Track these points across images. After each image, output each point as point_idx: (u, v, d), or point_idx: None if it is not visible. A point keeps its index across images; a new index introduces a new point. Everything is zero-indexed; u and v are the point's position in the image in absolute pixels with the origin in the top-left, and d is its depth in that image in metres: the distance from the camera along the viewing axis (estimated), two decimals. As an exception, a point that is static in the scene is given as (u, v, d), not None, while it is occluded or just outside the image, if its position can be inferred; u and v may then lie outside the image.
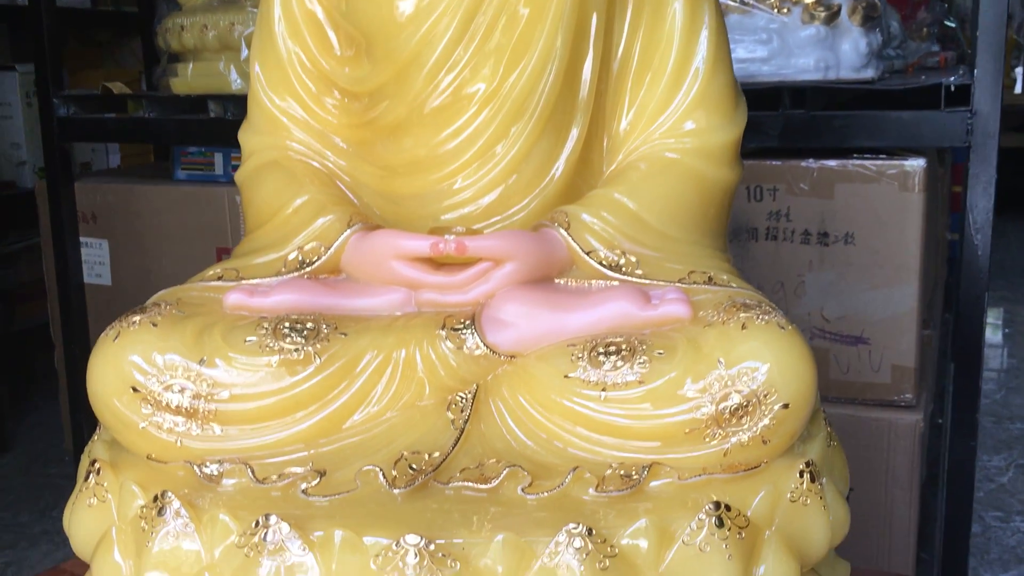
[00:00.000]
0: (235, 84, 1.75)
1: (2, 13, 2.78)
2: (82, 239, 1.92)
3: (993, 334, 3.28)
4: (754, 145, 1.36)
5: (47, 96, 1.83)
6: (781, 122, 1.35)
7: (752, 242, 1.45)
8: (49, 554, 1.86)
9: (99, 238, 1.93)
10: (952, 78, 1.30)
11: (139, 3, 2.88)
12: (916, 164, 1.36)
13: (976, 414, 1.31)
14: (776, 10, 1.40)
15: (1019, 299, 3.60)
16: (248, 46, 1.74)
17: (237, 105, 1.70)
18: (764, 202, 1.45)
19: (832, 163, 1.40)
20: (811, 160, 1.41)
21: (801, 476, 0.60)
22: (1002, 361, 3.00)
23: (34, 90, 2.77)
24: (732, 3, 1.40)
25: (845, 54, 1.41)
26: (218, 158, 1.91)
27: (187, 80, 1.78)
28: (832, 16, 1.40)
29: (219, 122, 1.71)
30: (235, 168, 2.13)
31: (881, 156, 1.38)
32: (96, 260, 1.94)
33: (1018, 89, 5.67)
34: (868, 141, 1.36)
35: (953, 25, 2.12)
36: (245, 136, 0.81)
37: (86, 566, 0.75)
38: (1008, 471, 2.15)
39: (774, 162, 1.43)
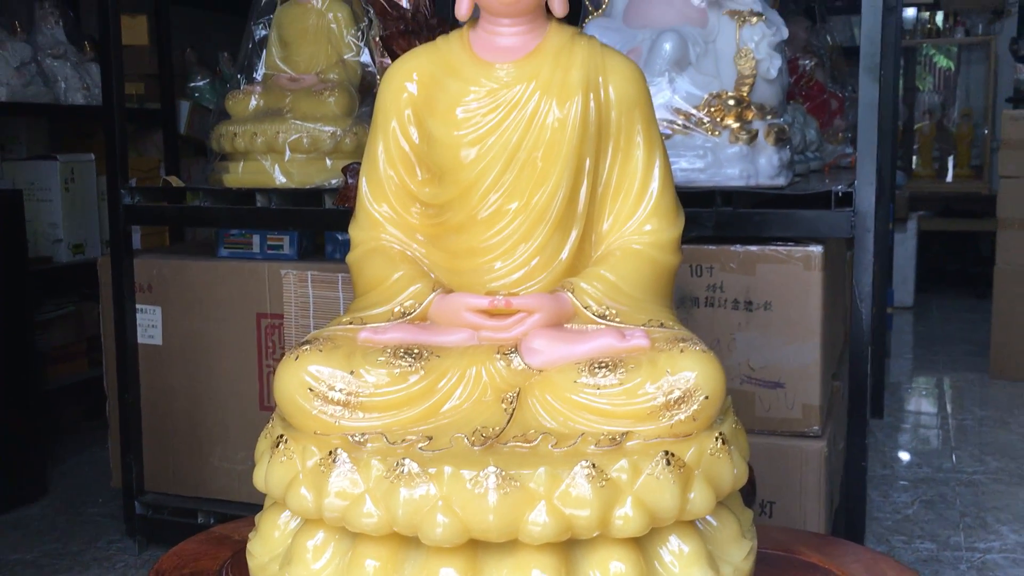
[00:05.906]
0: (278, 180, 2.11)
1: (43, 109, 3.14)
2: (138, 306, 2.26)
3: (917, 395, 3.74)
4: (694, 234, 1.77)
5: (116, 188, 2.18)
6: (714, 217, 1.77)
7: (694, 308, 1.86)
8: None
9: (153, 305, 2.27)
10: (839, 186, 1.74)
11: (161, 101, 3.28)
12: (816, 250, 1.79)
13: (864, 438, 1.73)
14: (710, 132, 1.83)
15: (939, 366, 4.08)
16: (290, 150, 2.13)
17: (280, 197, 2.03)
18: (703, 277, 1.86)
19: (754, 248, 1.82)
20: (738, 246, 1.83)
21: (716, 440, 1.00)
22: (920, 419, 3.45)
23: (71, 176, 3.14)
24: (677, 127, 1.84)
25: (762, 166, 1.84)
26: (255, 239, 2.25)
27: (237, 176, 2.14)
28: (752, 138, 1.84)
29: (264, 211, 2.07)
30: (271, 247, 2.49)
31: (790, 243, 1.81)
32: (149, 323, 2.27)
33: (949, 178, 6.18)
34: (780, 232, 1.78)
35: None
36: (354, 230, 1.20)
37: (241, 528, 1.12)
38: (913, 505, 2.56)
39: (710, 247, 1.85)
